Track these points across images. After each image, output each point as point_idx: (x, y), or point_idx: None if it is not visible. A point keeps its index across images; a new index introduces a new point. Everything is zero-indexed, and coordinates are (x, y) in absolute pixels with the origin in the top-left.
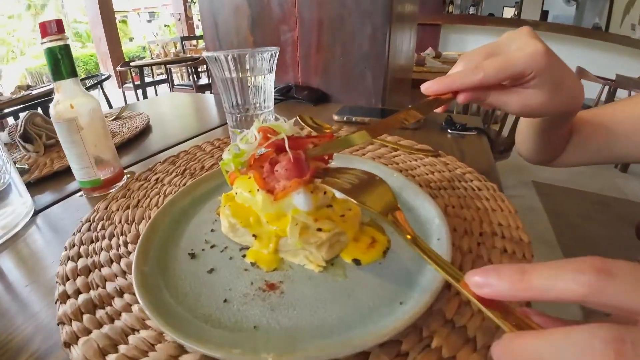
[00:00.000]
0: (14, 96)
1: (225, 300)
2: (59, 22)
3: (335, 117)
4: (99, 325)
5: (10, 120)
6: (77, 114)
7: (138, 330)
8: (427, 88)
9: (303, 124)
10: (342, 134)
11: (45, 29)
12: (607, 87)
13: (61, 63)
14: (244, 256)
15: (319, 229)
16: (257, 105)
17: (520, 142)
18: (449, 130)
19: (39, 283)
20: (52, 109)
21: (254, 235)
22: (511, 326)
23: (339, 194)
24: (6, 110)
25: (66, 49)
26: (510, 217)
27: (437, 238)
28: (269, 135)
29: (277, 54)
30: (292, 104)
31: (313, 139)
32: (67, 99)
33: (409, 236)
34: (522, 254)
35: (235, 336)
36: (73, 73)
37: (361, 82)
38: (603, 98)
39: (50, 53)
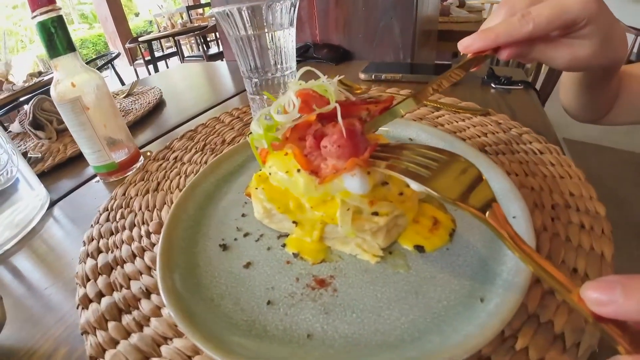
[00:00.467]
0: (26, 84)
1: (269, 302)
2: None
3: (362, 76)
4: (127, 334)
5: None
6: (80, 93)
7: (171, 339)
8: (467, 46)
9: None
10: (374, 93)
11: (34, 1)
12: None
13: (55, 37)
14: (283, 246)
15: (375, 213)
16: (279, 66)
17: (565, 99)
18: (493, 85)
19: (60, 284)
20: (53, 90)
21: (294, 222)
22: (628, 346)
23: (414, 185)
24: (22, 99)
25: (59, 20)
26: (581, 185)
27: (512, 216)
28: (310, 101)
29: (298, 3)
30: (312, 64)
31: (369, 105)
32: (68, 77)
33: (518, 244)
34: (601, 229)
35: (287, 350)
36: (70, 47)
37: (387, 36)
38: (635, 50)
39: (43, 27)
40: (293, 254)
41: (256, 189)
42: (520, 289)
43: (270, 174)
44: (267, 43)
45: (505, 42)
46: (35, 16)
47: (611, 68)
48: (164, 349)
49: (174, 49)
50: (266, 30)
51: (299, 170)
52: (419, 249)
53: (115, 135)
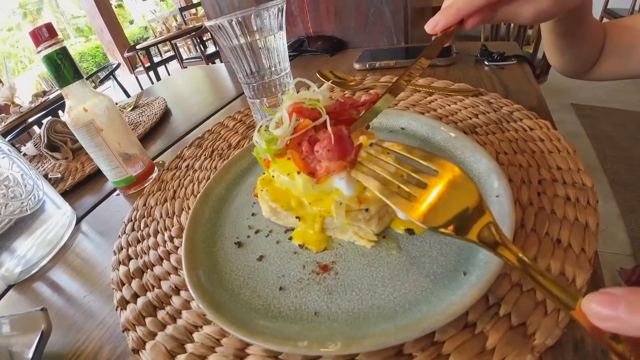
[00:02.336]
0: (32, 105)
1: (281, 288)
2: (49, 26)
3: (357, 66)
4: (163, 326)
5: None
6: (93, 117)
7: (201, 327)
8: (433, 27)
9: (324, 81)
10: (368, 83)
11: (37, 37)
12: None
13: (62, 68)
14: (290, 238)
15: (366, 210)
16: (273, 68)
17: (548, 53)
18: (486, 62)
19: (97, 291)
20: (67, 116)
21: (297, 217)
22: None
23: (401, 215)
24: (30, 120)
25: (64, 52)
26: (569, 158)
27: (495, 195)
28: (304, 113)
29: (285, 7)
30: (307, 57)
31: (357, 105)
32: (79, 103)
33: (515, 261)
34: (587, 200)
35: (298, 326)
36: (77, 75)
37: (379, 21)
38: (637, 8)
39: (49, 60)
40: (299, 245)
41: (262, 190)
42: (499, 262)
43: (273, 177)
44: (260, 49)
45: (468, 13)
46: (40, 51)
47: (580, 10)
48: (195, 335)
49: (172, 53)
50: (257, 37)
51: (299, 172)
52: (410, 231)
53: (129, 150)
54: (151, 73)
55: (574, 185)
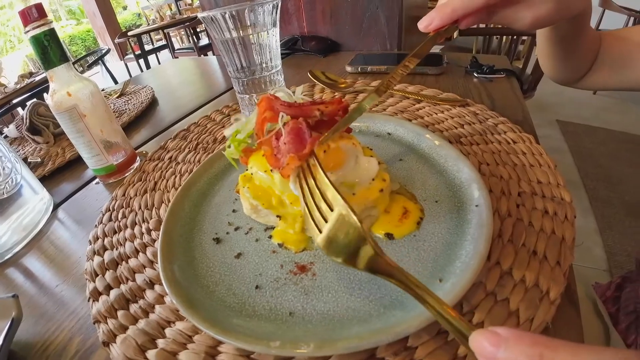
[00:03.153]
0: (18, 86)
1: (257, 287)
2: (38, 7)
3: (348, 69)
4: (135, 320)
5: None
6: (76, 101)
7: (174, 322)
8: (427, 25)
9: (315, 81)
10: (358, 87)
11: (25, 16)
12: (632, 19)
13: (49, 50)
14: (270, 237)
15: None
16: (264, 65)
17: (541, 58)
18: (475, 74)
19: (70, 281)
20: (50, 99)
21: (278, 216)
22: None
23: (317, 240)
24: (15, 101)
25: (52, 33)
26: (549, 173)
27: (475, 205)
28: (272, 104)
29: (279, 4)
30: (300, 57)
31: (319, 105)
32: (63, 87)
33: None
34: (565, 214)
35: (272, 326)
36: (64, 58)
37: (374, 25)
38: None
39: (36, 41)
40: (278, 244)
41: (243, 187)
42: (474, 270)
43: (252, 174)
44: (252, 44)
45: (463, 14)
46: (28, 31)
47: (578, 19)
48: (168, 331)
49: (164, 42)
50: (250, 32)
51: (272, 169)
52: (389, 236)
53: (111, 138)
54: (141, 61)
55: (553, 200)
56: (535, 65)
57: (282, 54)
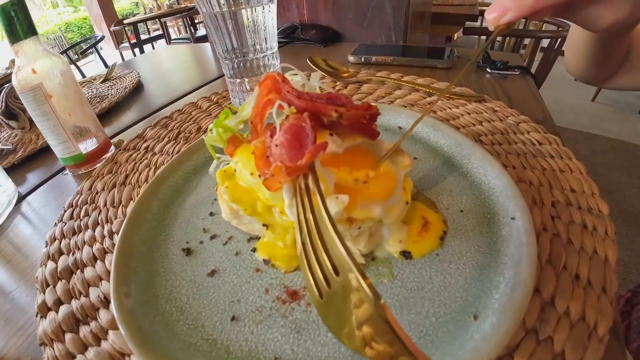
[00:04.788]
0: (8, 71)
1: (233, 318)
2: None
3: (351, 59)
4: (84, 347)
5: None
6: (42, 80)
7: (129, 356)
8: (500, 17)
9: (315, 68)
10: (362, 77)
11: None
12: None
13: (16, 21)
14: (254, 250)
15: (350, 220)
16: (258, 47)
17: (572, 58)
18: (488, 70)
19: (24, 287)
20: (14, 78)
21: (264, 225)
22: None
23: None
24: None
25: (20, 3)
26: (582, 179)
27: (510, 217)
28: (278, 86)
29: None
30: (298, 46)
31: (339, 106)
32: (29, 63)
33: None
34: (605, 230)
35: None
36: (31, 31)
37: (379, 16)
38: None
39: (2, 12)
40: (264, 260)
41: (221, 187)
42: (520, 305)
43: (236, 170)
44: (245, 21)
45: (546, 5)
46: None
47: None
48: None
49: (160, 32)
50: (243, 5)
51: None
52: (406, 254)
53: (81, 123)
54: (136, 50)
55: (590, 212)
56: (538, 69)
57: (279, 42)
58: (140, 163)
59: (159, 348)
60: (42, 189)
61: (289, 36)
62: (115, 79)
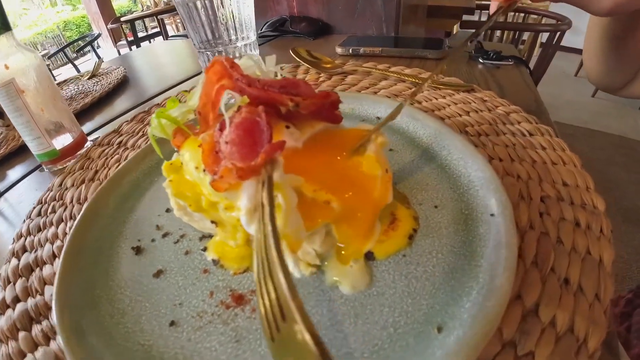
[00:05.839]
0: None
1: (172, 323)
2: None
3: (339, 50)
4: (35, 346)
5: None
6: (14, 75)
7: None
8: None
9: (298, 59)
10: (348, 68)
11: None
12: None
13: None
14: (204, 250)
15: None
16: (233, 37)
17: (588, 59)
18: (481, 60)
19: None
20: None
21: (213, 222)
22: None
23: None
24: None
25: None
26: (576, 173)
27: (490, 213)
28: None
29: None
30: (288, 39)
31: (295, 95)
32: (2, 59)
33: None
34: (600, 228)
35: None
36: (5, 27)
37: (369, 7)
38: None
39: None
40: (213, 260)
41: (166, 180)
42: (493, 316)
43: (182, 163)
44: (219, 8)
45: None
46: None
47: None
48: None
49: (158, 29)
50: None
51: (205, 170)
52: (368, 255)
53: (55, 119)
54: (134, 47)
55: (584, 208)
56: (537, 64)
57: (269, 36)
58: (112, 158)
59: (94, 352)
60: (19, 185)
61: (277, 29)
62: (102, 75)
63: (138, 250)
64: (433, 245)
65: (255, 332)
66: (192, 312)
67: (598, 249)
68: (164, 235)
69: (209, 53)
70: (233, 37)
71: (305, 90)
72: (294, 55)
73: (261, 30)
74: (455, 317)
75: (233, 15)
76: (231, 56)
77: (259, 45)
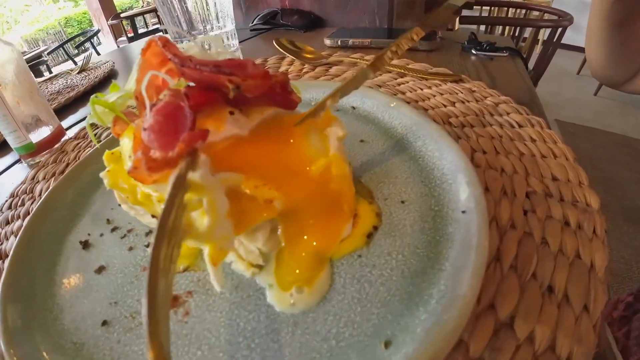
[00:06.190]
0: None
1: (104, 323)
2: None
3: (327, 42)
4: None
5: None
6: None
7: None
8: None
9: (280, 49)
10: (333, 59)
11: None
12: None
13: None
14: (147, 246)
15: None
16: (207, 26)
17: (592, 49)
18: (473, 51)
19: None
20: None
21: (154, 217)
22: None
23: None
24: None
25: None
26: (568, 166)
27: (461, 210)
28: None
29: None
30: (279, 32)
31: (232, 77)
32: None
33: None
34: (592, 228)
35: None
36: None
37: None
38: None
39: None
40: None
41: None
42: (450, 330)
43: (120, 152)
44: None
45: None
46: None
47: None
48: None
49: (159, 25)
50: None
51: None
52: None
53: (32, 112)
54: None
55: (575, 205)
56: (538, 61)
57: (259, 29)
58: (84, 152)
59: (30, 349)
60: (1, 177)
61: (269, 22)
62: (91, 69)
63: (85, 245)
64: (394, 245)
65: (185, 336)
66: (125, 312)
67: (589, 251)
68: (113, 230)
69: (183, 42)
70: (208, 27)
71: (252, 71)
72: (276, 45)
73: (252, 23)
74: (408, 330)
75: (207, 4)
76: (206, 46)
77: (250, 38)
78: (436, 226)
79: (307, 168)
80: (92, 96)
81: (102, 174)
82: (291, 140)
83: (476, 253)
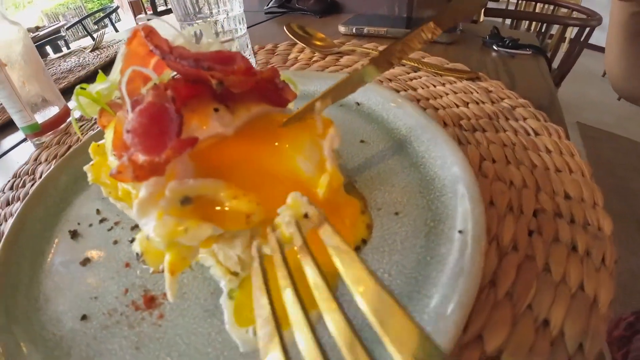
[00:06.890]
0: None
1: (84, 317)
2: None
3: (342, 29)
4: None
5: None
6: None
7: None
8: None
9: (291, 36)
10: (345, 48)
11: None
12: None
13: None
14: (132, 241)
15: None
16: (214, 10)
17: (611, 61)
18: (495, 47)
19: None
20: None
21: None
22: None
23: None
24: None
25: None
26: (583, 184)
27: (458, 229)
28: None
29: None
30: (294, 16)
31: (214, 72)
32: None
33: None
34: (602, 257)
35: None
36: None
37: None
38: None
39: None
40: (137, 253)
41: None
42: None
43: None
44: None
45: None
46: None
47: None
48: None
49: None
50: None
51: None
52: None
53: (37, 92)
54: None
55: (586, 229)
56: (563, 60)
57: (274, 12)
58: (86, 134)
59: (10, 336)
60: (5, 158)
61: (284, 5)
62: (104, 47)
63: (74, 235)
64: (381, 262)
65: (156, 341)
66: (104, 308)
67: (595, 284)
68: (101, 221)
69: (189, 28)
70: (215, 10)
71: (240, 65)
72: (286, 31)
73: (267, 6)
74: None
75: None
76: (212, 32)
77: (263, 22)
78: (429, 244)
79: (291, 176)
80: (77, 87)
81: (85, 168)
82: (276, 144)
83: (467, 280)
